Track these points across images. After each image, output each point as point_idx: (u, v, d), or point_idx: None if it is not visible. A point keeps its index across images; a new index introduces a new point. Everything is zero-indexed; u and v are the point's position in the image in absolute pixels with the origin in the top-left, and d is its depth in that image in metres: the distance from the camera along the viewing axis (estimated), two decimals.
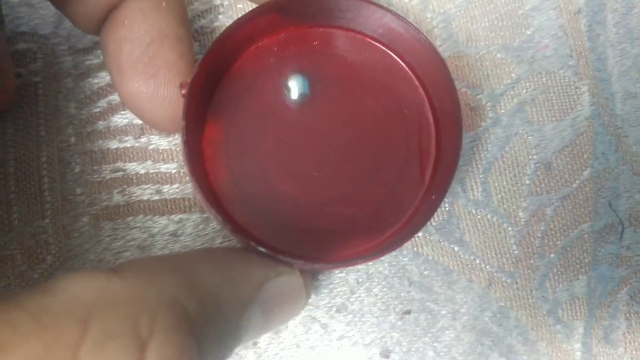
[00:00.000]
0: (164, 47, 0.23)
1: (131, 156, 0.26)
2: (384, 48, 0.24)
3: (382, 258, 0.26)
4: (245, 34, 0.23)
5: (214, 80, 0.23)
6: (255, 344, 0.26)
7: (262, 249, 0.21)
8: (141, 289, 0.16)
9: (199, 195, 0.21)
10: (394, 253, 0.26)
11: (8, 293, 0.25)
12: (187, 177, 0.26)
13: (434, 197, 0.22)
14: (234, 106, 0.23)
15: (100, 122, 0.27)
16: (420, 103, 0.24)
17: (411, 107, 0.24)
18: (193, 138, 0.22)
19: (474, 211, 0.26)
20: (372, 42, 0.24)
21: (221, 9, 0.27)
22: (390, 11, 0.23)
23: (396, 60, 0.24)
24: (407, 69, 0.24)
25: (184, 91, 0.22)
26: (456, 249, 0.26)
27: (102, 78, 0.27)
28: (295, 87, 0.23)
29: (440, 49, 0.27)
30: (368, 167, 0.23)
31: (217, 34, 0.27)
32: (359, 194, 0.23)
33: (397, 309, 0.26)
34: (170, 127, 0.24)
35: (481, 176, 0.27)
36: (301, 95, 0.23)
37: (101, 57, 0.27)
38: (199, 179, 0.21)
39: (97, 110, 0.27)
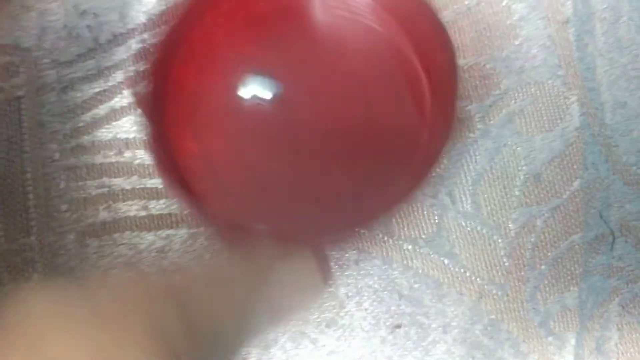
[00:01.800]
0: None
1: (117, 171, 0.27)
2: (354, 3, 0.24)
3: (371, 272, 0.27)
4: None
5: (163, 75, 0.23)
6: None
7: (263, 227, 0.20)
8: (112, 311, 0.15)
9: (168, 179, 0.21)
10: (383, 267, 0.27)
11: None
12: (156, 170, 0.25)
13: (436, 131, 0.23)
14: (197, 99, 0.23)
15: (85, 136, 0.28)
16: (406, 55, 0.24)
17: (395, 61, 0.24)
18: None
19: (463, 223, 0.28)
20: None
21: None
22: None
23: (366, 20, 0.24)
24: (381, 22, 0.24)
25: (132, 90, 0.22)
26: (446, 261, 0.28)
27: (86, 91, 0.28)
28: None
29: None
30: (362, 132, 0.23)
31: None
32: (359, 160, 0.23)
33: (387, 323, 0.27)
34: None
35: (470, 188, 0.28)
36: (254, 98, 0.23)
37: (85, 70, 0.28)
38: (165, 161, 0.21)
39: (81, 124, 0.28)
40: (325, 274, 0.22)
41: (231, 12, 0.23)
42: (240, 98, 0.23)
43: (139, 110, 0.21)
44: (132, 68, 0.25)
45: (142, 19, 0.28)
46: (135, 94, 0.22)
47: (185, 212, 0.23)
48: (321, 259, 0.21)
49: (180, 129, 0.23)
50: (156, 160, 0.21)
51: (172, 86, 0.23)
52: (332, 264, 0.25)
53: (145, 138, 0.21)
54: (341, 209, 0.23)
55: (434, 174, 0.23)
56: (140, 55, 0.26)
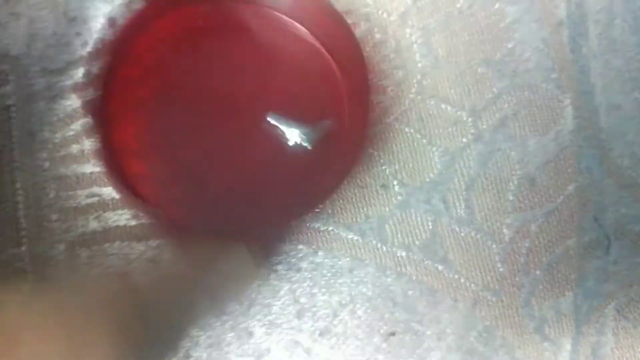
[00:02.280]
0: None
1: (106, 181, 0.27)
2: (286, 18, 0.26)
3: (365, 279, 0.27)
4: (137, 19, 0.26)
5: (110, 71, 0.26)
6: None
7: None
8: (81, 313, 0.18)
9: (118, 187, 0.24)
10: (377, 274, 0.27)
11: None
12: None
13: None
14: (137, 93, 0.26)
15: (74, 145, 0.28)
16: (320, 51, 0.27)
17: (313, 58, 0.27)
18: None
19: (457, 229, 0.28)
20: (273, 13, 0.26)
21: None
22: None
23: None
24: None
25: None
26: (440, 267, 0.28)
27: (76, 100, 0.28)
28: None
29: (419, 65, 0.28)
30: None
31: None
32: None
33: (381, 331, 0.27)
34: None
35: (464, 193, 0.28)
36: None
37: (74, 78, 0.28)
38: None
39: (71, 133, 0.28)
40: (258, 262, 0.25)
41: (173, 25, 0.26)
42: (177, 98, 0.26)
43: (87, 115, 0.24)
44: (79, 73, 0.27)
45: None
46: (83, 99, 0.24)
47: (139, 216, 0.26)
48: (254, 250, 0.24)
49: (125, 135, 0.26)
50: (106, 169, 0.24)
51: (117, 87, 0.26)
52: (267, 252, 0.27)
53: (94, 145, 0.24)
54: (271, 203, 0.25)
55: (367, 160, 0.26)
56: (87, 58, 0.27)
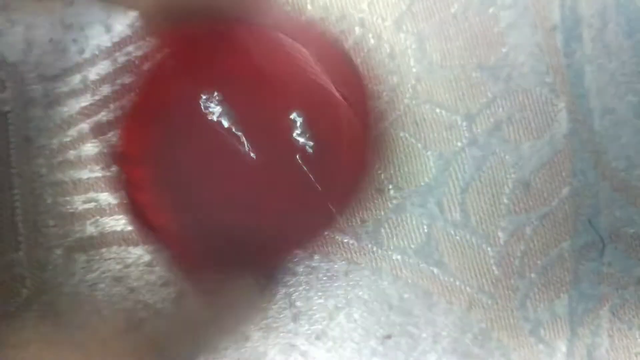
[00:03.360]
0: None
1: (103, 186, 0.28)
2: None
3: (361, 283, 0.28)
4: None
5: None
6: None
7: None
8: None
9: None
10: (373, 277, 0.28)
11: None
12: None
13: None
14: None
15: (71, 151, 0.28)
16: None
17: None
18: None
19: (452, 232, 0.28)
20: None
21: None
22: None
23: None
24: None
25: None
26: (435, 271, 0.28)
27: (72, 106, 0.29)
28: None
29: (414, 70, 0.29)
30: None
31: None
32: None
33: (377, 334, 0.28)
34: None
35: (459, 197, 0.28)
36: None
37: (71, 84, 0.29)
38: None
39: (68, 139, 0.28)
40: (263, 290, 0.26)
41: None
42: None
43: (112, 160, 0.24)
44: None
45: (127, 32, 0.29)
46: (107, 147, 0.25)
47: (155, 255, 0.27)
48: (258, 278, 0.25)
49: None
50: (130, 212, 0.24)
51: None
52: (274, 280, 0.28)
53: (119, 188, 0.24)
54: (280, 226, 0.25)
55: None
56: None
